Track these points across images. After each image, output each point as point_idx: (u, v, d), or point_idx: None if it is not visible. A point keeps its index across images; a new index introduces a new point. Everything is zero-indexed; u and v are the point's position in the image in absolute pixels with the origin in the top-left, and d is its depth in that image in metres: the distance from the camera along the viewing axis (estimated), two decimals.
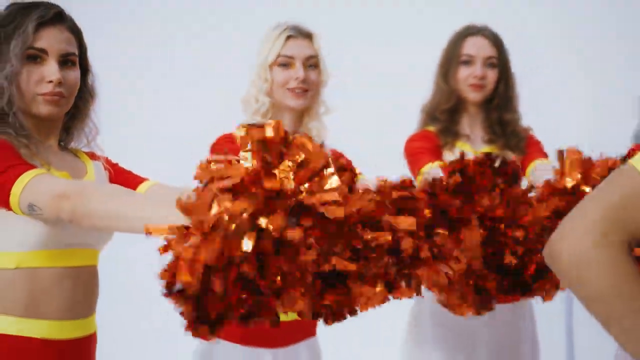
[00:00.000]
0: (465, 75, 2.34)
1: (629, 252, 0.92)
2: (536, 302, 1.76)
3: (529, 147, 2.38)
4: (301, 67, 2.01)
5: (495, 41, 2.37)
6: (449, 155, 2.33)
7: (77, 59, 1.55)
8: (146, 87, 3.55)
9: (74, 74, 1.53)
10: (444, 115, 2.38)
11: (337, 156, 2.04)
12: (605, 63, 3.48)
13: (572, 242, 0.93)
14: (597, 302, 0.92)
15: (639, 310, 0.90)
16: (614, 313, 0.91)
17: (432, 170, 2.20)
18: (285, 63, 2.02)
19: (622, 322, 0.91)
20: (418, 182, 2.19)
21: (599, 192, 0.95)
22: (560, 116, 3.46)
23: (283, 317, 1.87)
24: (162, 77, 3.57)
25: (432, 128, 2.39)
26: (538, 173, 2.21)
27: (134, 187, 1.61)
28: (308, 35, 2.05)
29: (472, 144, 2.38)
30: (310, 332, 2.07)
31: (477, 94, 2.35)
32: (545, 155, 2.36)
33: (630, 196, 0.92)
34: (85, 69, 1.59)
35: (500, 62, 2.36)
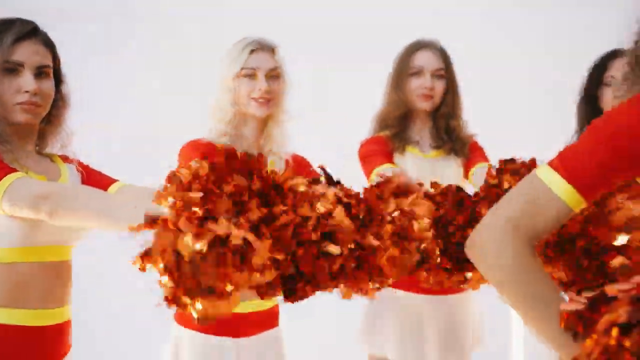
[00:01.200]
0: (415, 86, 2.53)
1: (532, 245, 1.12)
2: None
3: (472, 152, 2.57)
4: (264, 78, 2.16)
5: (443, 55, 2.55)
6: (399, 159, 2.53)
7: (51, 70, 1.70)
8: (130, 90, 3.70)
9: (49, 84, 1.69)
10: (395, 122, 2.56)
11: (299, 161, 2.24)
12: (553, 73, 3.71)
13: (487, 236, 1.13)
14: (505, 286, 1.12)
15: (536, 293, 1.10)
16: (518, 296, 1.11)
17: (385, 171, 2.39)
18: (249, 74, 2.16)
19: (524, 305, 1.11)
20: (370, 182, 2.40)
21: (510, 195, 1.15)
22: (512, 123, 3.68)
23: (247, 308, 2.06)
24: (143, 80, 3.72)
25: (384, 134, 2.58)
26: (477, 176, 2.41)
27: (105, 188, 1.77)
28: (270, 49, 2.21)
29: (421, 149, 2.57)
30: (273, 323, 2.19)
31: (426, 103, 2.54)
32: (486, 160, 2.57)
33: (534, 200, 1.12)
34: (59, 80, 1.75)
35: (448, 74, 2.55)
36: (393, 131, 2.56)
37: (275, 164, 2.21)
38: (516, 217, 1.12)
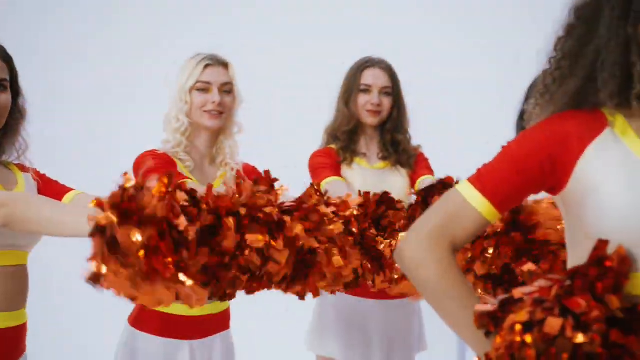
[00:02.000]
0: (363, 102, 2.66)
1: (452, 253, 1.24)
2: None
3: (417, 164, 2.70)
4: (217, 92, 2.26)
5: (390, 73, 2.69)
6: (347, 170, 2.64)
7: (8, 84, 1.80)
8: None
9: (6, 97, 1.79)
10: (344, 135, 2.69)
11: (249, 170, 2.34)
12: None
13: (412, 246, 1.24)
14: (428, 290, 1.24)
15: (455, 296, 1.21)
16: (439, 299, 1.23)
17: (331, 184, 2.51)
18: (203, 88, 2.26)
19: (445, 308, 1.23)
20: None
21: (434, 208, 1.27)
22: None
23: (200, 311, 2.15)
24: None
25: (333, 146, 2.70)
26: (423, 187, 2.54)
27: (61, 197, 1.86)
28: (224, 64, 2.31)
29: (368, 161, 2.69)
30: (225, 326, 2.28)
31: (374, 118, 2.66)
32: (431, 172, 2.70)
33: (454, 212, 1.24)
34: (16, 92, 1.84)
35: (394, 91, 2.68)
36: (342, 144, 2.68)
37: (228, 174, 2.31)
38: (438, 227, 1.23)
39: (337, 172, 2.60)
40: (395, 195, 2.10)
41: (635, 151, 1.15)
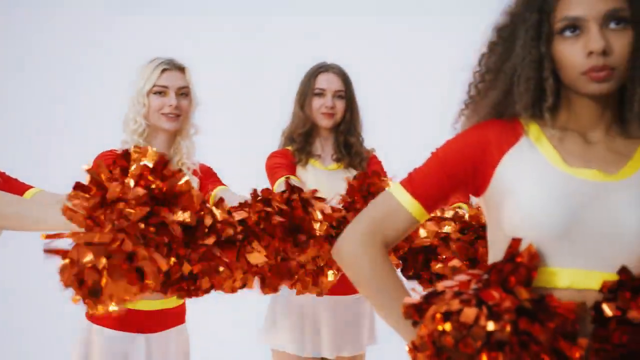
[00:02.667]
0: (318, 105, 2.76)
1: (385, 250, 1.35)
2: None
3: (370, 166, 2.82)
4: (174, 95, 2.34)
5: (343, 77, 2.80)
6: (302, 171, 2.74)
7: None
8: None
9: None
10: (300, 137, 2.79)
11: (205, 170, 2.43)
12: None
13: (349, 243, 1.35)
14: (362, 284, 1.34)
15: (386, 290, 1.32)
16: (372, 292, 1.34)
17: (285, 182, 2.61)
18: (161, 91, 2.34)
19: (378, 300, 1.34)
20: (275, 191, 2.61)
21: (369, 208, 1.38)
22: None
23: (155, 306, 2.22)
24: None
25: (290, 148, 2.80)
26: None
27: (21, 194, 1.92)
28: (181, 68, 2.39)
29: (322, 162, 2.80)
30: (180, 320, 2.37)
31: (328, 121, 2.77)
32: (384, 173, 2.81)
33: (387, 212, 1.34)
34: None
35: (347, 94, 2.79)
36: (297, 146, 2.78)
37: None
38: (372, 226, 1.34)
39: (292, 172, 2.69)
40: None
41: (548, 157, 1.27)
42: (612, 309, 1.15)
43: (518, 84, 1.27)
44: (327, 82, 2.77)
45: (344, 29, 4.15)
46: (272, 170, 2.71)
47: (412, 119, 3.93)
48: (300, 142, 2.79)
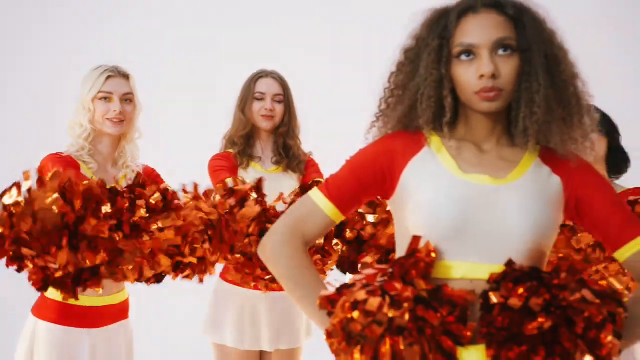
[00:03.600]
0: (258, 108, 2.91)
1: (305, 248, 1.50)
2: None
3: (307, 168, 2.97)
4: (118, 101, 2.46)
5: (282, 82, 2.96)
6: (243, 173, 2.88)
7: None
8: None
9: None
10: (241, 140, 2.94)
11: (149, 172, 2.56)
12: None
13: (272, 241, 1.50)
14: (283, 279, 1.50)
15: (305, 283, 1.47)
16: (292, 286, 1.49)
17: (227, 183, 2.75)
18: (105, 97, 2.46)
19: (297, 293, 1.49)
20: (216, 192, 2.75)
21: (291, 210, 1.53)
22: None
23: (100, 302, 2.34)
24: None
25: (231, 150, 2.94)
26: None
27: None
28: (125, 76, 2.51)
29: (262, 165, 2.94)
30: (124, 315, 2.48)
31: (267, 123, 2.92)
32: (321, 176, 2.97)
33: (306, 213, 1.50)
34: None
35: (286, 99, 2.95)
36: (239, 148, 2.93)
37: (129, 176, 2.51)
38: (293, 226, 1.50)
39: (233, 174, 2.83)
40: (287, 198, 2.41)
41: (446, 165, 1.44)
42: (497, 297, 1.32)
43: (421, 101, 1.43)
44: (267, 87, 2.92)
45: (286, 36, 4.31)
46: (215, 173, 2.84)
47: (348, 125, 4.10)
48: (241, 145, 2.93)
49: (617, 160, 2.73)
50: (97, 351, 2.38)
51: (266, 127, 2.92)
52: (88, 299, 2.33)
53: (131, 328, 2.53)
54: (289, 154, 2.96)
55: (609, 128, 2.72)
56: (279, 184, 2.86)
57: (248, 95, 2.94)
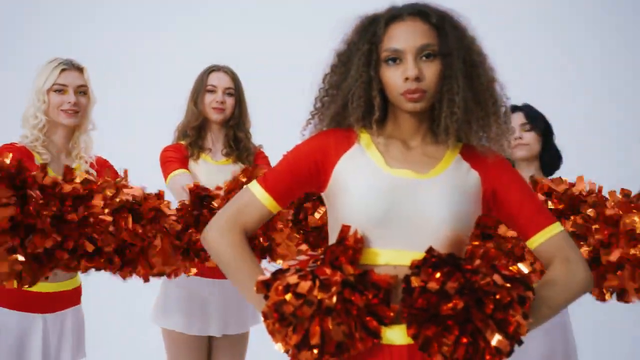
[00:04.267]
0: (209, 101, 3.01)
1: (244, 236, 1.61)
2: None
3: (257, 160, 3.08)
4: (73, 93, 2.54)
5: (233, 76, 3.06)
6: (194, 165, 2.98)
7: None
8: None
9: None
10: (193, 131, 3.03)
11: (101, 163, 2.64)
12: None
13: (214, 231, 1.61)
14: (223, 265, 1.60)
15: (245, 270, 1.57)
16: (233, 272, 1.60)
17: (177, 176, 2.85)
18: (60, 89, 2.53)
19: (237, 278, 1.60)
20: (167, 183, 2.84)
21: (231, 200, 1.63)
22: None
23: (53, 288, 2.42)
24: None
25: (183, 142, 3.03)
26: None
27: None
28: (79, 68, 2.58)
29: (213, 156, 3.04)
30: (76, 301, 2.58)
31: (218, 115, 3.02)
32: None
33: (246, 204, 1.61)
34: None
35: (237, 92, 3.05)
36: (190, 140, 3.02)
37: (82, 166, 2.59)
38: (233, 216, 1.60)
39: (184, 165, 2.93)
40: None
41: (374, 160, 1.57)
42: (417, 281, 1.45)
43: (352, 101, 1.55)
44: (218, 80, 3.02)
45: (237, 32, 4.41)
46: (166, 164, 2.94)
47: (298, 118, 4.22)
48: (192, 136, 3.02)
49: (551, 158, 2.90)
50: (49, 335, 2.47)
51: (217, 119, 3.02)
52: (42, 285, 2.40)
53: (83, 313, 2.62)
54: (239, 146, 3.05)
55: (543, 128, 2.88)
56: (228, 176, 2.96)
57: (200, 88, 3.03)
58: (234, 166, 3.01)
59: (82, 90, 2.58)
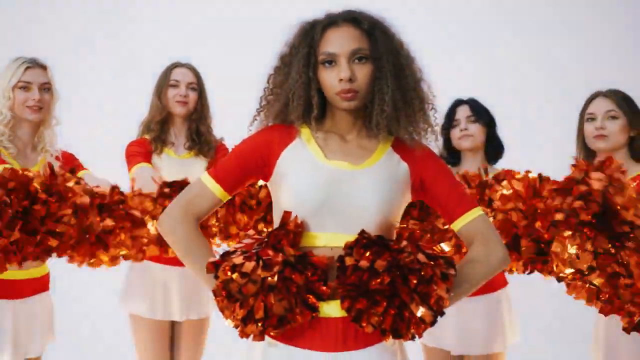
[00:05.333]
0: (172, 95, 3.14)
1: (196, 222, 1.76)
2: None
3: (218, 152, 3.22)
4: (37, 90, 2.66)
5: (195, 72, 3.20)
6: (157, 159, 3.12)
7: None
8: None
9: None
10: (157, 126, 3.16)
11: (66, 157, 2.77)
12: None
13: (168, 217, 1.76)
14: (178, 249, 1.76)
15: (196, 252, 1.73)
16: (186, 255, 1.75)
17: (140, 169, 2.98)
18: (25, 87, 2.66)
19: (190, 260, 1.75)
20: (130, 176, 2.97)
21: (185, 190, 1.79)
22: None
23: (22, 275, 2.55)
24: None
25: (147, 136, 3.17)
26: None
27: None
28: (43, 66, 2.71)
29: (176, 151, 3.18)
30: (45, 287, 2.71)
31: (182, 109, 3.15)
32: None
33: (197, 193, 1.77)
34: None
35: (199, 87, 3.19)
36: (154, 134, 3.16)
37: (47, 159, 2.72)
38: (186, 203, 1.76)
39: (147, 159, 3.06)
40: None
41: (314, 153, 1.73)
42: (350, 260, 1.62)
43: (293, 100, 1.72)
44: (181, 75, 3.17)
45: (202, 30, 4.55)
46: (130, 158, 3.07)
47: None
48: (156, 131, 3.16)
49: (494, 148, 3.10)
50: (19, 320, 2.59)
51: (180, 112, 3.15)
52: (11, 272, 2.53)
53: (51, 299, 2.75)
54: (200, 139, 3.19)
55: (488, 120, 3.08)
56: (190, 169, 3.10)
57: (164, 83, 3.17)
58: (196, 160, 3.15)
59: (46, 87, 2.70)
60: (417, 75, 1.74)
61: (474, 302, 2.90)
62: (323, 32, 1.71)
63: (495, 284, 2.96)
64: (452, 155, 3.11)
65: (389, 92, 1.69)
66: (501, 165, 3.07)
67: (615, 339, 2.36)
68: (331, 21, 1.71)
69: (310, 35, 1.71)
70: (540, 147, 4.43)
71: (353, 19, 1.71)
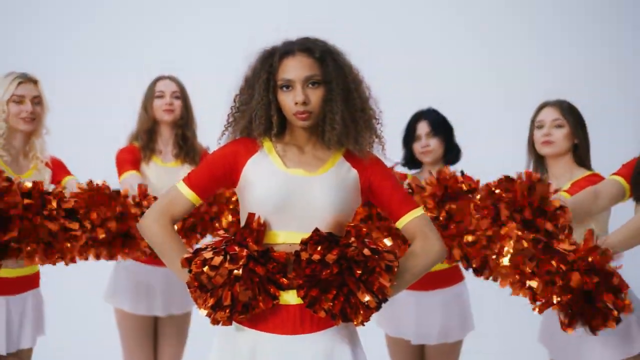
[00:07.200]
0: (159, 105, 3.38)
1: (171, 224, 2.01)
2: None
3: (202, 160, 3.45)
4: (29, 103, 2.90)
5: (178, 83, 3.42)
6: (145, 167, 3.35)
7: None
8: None
9: None
10: (145, 135, 3.39)
11: (56, 163, 3.02)
12: None
13: (148, 219, 2.01)
14: (156, 248, 2.00)
15: (173, 250, 1.97)
16: (163, 253, 1.99)
17: (129, 176, 3.22)
18: (18, 100, 2.89)
19: (167, 258, 2.00)
20: (120, 182, 3.21)
21: (162, 195, 2.04)
22: None
23: (13, 273, 2.78)
24: None
25: (136, 144, 3.41)
26: None
27: None
28: (34, 81, 2.94)
29: (163, 159, 3.41)
30: (35, 284, 2.92)
31: (169, 116, 3.37)
32: None
33: (173, 199, 2.01)
34: None
35: (182, 95, 3.42)
36: (142, 143, 3.39)
37: (38, 166, 2.96)
38: (163, 207, 2.01)
39: (136, 167, 3.29)
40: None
41: (274, 162, 1.99)
42: (305, 255, 1.87)
43: (255, 120, 1.97)
44: (165, 86, 3.40)
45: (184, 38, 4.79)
46: (119, 165, 3.31)
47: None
48: (144, 140, 3.38)
49: (453, 157, 3.34)
50: (12, 315, 2.81)
51: (167, 119, 3.37)
52: (4, 270, 2.76)
53: (41, 295, 2.98)
54: (187, 144, 3.40)
55: (445, 131, 3.31)
56: (176, 177, 3.30)
57: (150, 95, 3.40)
58: (182, 168, 3.36)
59: (37, 101, 2.94)
60: (364, 95, 2.00)
61: (432, 295, 3.17)
62: (280, 60, 1.96)
63: (452, 279, 3.23)
64: (414, 165, 3.36)
65: (338, 112, 1.95)
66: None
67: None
68: (287, 50, 1.97)
69: (269, 62, 1.97)
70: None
71: (307, 48, 1.96)
